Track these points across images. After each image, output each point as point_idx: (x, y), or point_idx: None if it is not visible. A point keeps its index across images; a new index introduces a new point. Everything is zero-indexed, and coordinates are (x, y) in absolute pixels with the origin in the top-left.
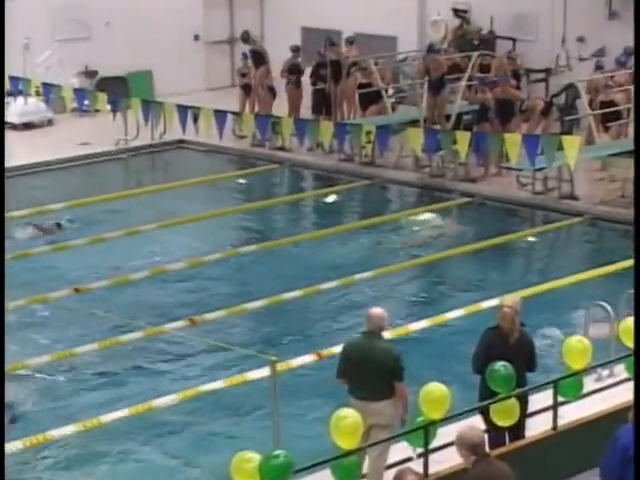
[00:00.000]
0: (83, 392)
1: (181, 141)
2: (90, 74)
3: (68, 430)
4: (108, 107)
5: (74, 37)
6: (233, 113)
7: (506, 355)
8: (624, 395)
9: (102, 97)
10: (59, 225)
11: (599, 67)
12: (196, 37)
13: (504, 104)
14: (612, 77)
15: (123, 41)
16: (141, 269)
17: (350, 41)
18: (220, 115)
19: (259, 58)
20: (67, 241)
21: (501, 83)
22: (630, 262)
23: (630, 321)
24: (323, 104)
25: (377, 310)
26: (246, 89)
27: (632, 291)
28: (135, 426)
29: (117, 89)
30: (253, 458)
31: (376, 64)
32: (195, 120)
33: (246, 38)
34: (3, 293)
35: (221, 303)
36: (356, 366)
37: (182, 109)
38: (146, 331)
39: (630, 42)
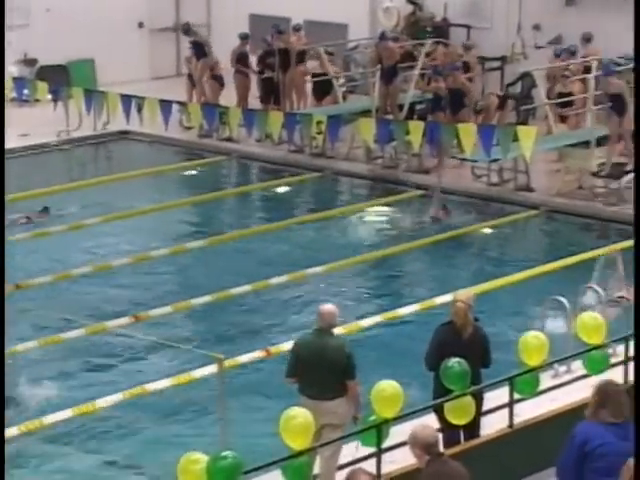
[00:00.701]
0: (25, 393)
1: (125, 132)
2: (30, 62)
3: (9, 432)
4: (49, 97)
5: (13, 24)
6: (179, 103)
7: (460, 351)
8: (581, 392)
9: (42, 86)
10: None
11: (557, 55)
12: (140, 24)
13: (455, 94)
14: (567, 66)
15: (64, 28)
16: (84, 264)
17: (297, 28)
18: (165, 105)
19: (201, 49)
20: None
21: (451, 72)
22: (587, 255)
23: (587, 316)
24: (271, 93)
25: (328, 306)
26: (192, 78)
27: (589, 285)
28: (77, 427)
29: (58, 78)
30: (200, 459)
31: (330, 53)
32: (139, 110)
33: (187, 29)
34: (3, 292)
35: (167, 299)
36: (307, 364)
37: (126, 99)
38: (88, 328)
39: (587, 28)
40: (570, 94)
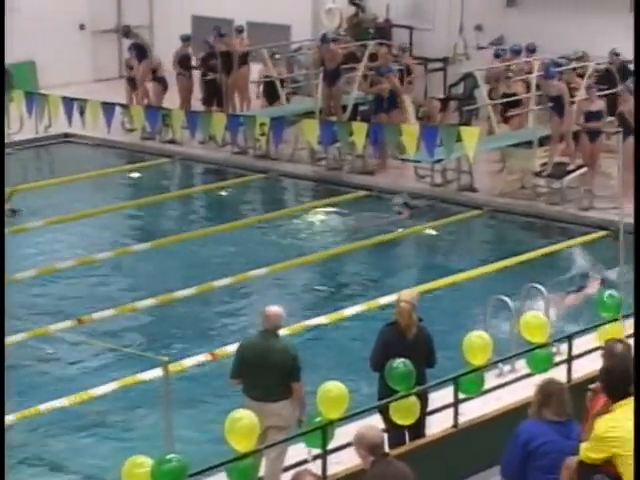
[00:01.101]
0: None
1: (67, 135)
2: None
3: None
4: None
5: None
6: (121, 105)
7: (404, 351)
8: (525, 390)
9: None
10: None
11: (497, 55)
12: (82, 26)
13: (389, 95)
14: (509, 67)
15: (5, 30)
16: (27, 268)
17: (239, 30)
18: (108, 107)
19: (142, 51)
20: None
21: (385, 74)
22: (531, 255)
23: (530, 315)
24: (214, 96)
25: (273, 308)
26: (132, 82)
27: (532, 285)
28: (22, 432)
29: None
30: (145, 462)
31: (273, 55)
32: (82, 113)
33: (127, 32)
34: (3, 291)
35: (111, 302)
36: (252, 366)
37: (68, 101)
38: (31, 332)
39: (528, 28)
40: (514, 94)
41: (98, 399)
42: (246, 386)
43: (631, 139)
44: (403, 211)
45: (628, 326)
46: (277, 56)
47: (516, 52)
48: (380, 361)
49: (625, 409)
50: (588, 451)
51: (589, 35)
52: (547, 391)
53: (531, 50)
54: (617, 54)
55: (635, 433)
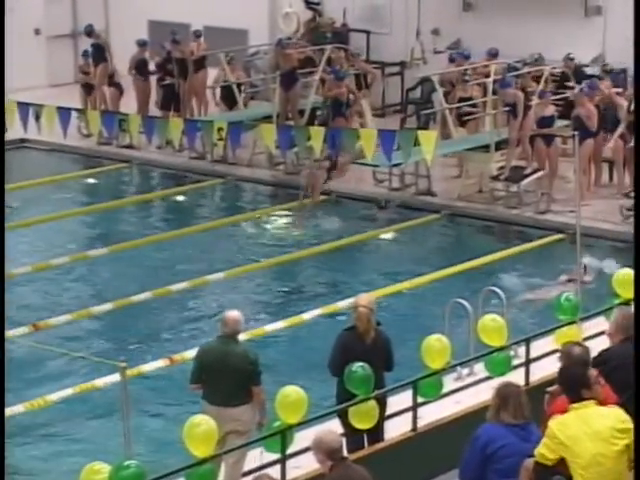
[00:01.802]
0: None
1: (23, 140)
2: None
3: None
4: None
5: None
6: (77, 110)
7: (363, 356)
8: (484, 394)
9: None
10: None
11: (452, 60)
12: (37, 31)
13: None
14: (466, 71)
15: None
16: None
17: (197, 35)
18: (64, 112)
19: (101, 54)
20: None
21: (341, 79)
22: (489, 258)
23: (488, 318)
24: (172, 100)
25: (232, 313)
26: (87, 87)
27: (490, 288)
28: None
29: None
30: (103, 469)
31: (231, 59)
32: (37, 118)
33: (90, 31)
34: (3, 291)
35: (67, 308)
36: (211, 371)
37: (23, 106)
38: None
39: (484, 33)
40: (470, 99)
41: (54, 405)
42: (206, 391)
43: (588, 141)
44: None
45: (585, 328)
46: (233, 61)
47: (465, 57)
48: (339, 366)
49: (578, 413)
50: (542, 450)
51: (544, 39)
52: (504, 394)
53: (493, 54)
54: (572, 58)
55: (635, 432)
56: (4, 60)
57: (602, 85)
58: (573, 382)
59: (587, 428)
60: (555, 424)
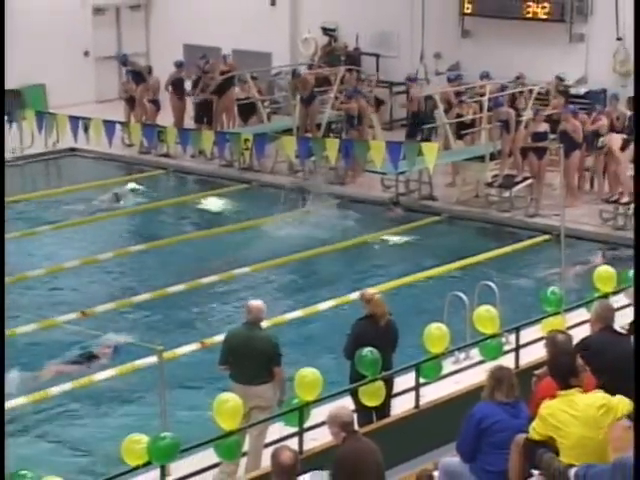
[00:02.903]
0: None
1: (73, 149)
2: None
3: None
4: (5, 118)
5: None
6: (121, 123)
7: (375, 340)
8: (478, 376)
9: None
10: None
11: (450, 80)
12: (86, 53)
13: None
14: (465, 91)
15: (18, 56)
16: (37, 267)
17: (226, 57)
18: (109, 125)
19: (139, 76)
20: None
21: (353, 96)
22: (483, 256)
23: (483, 309)
24: (205, 115)
25: (256, 302)
26: (130, 102)
27: (485, 282)
28: (30, 413)
29: (13, 101)
30: (142, 440)
31: (254, 78)
32: (86, 130)
33: (124, 61)
34: (3, 291)
35: (111, 297)
36: (238, 354)
37: (74, 119)
38: (40, 323)
39: (481, 56)
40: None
41: (100, 383)
42: (232, 371)
43: (575, 153)
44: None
45: (568, 319)
46: (256, 79)
47: (456, 78)
48: (352, 351)
49: (564, 400)
50: (535, 428)
51: (533, 62)
52: (499, 376)
53: (485, 76)
54: (561, 79)
55: (635, 432)
56: (4, 60)
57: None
58: (562, 371)
59: (574, 413)
60: (545, 408)
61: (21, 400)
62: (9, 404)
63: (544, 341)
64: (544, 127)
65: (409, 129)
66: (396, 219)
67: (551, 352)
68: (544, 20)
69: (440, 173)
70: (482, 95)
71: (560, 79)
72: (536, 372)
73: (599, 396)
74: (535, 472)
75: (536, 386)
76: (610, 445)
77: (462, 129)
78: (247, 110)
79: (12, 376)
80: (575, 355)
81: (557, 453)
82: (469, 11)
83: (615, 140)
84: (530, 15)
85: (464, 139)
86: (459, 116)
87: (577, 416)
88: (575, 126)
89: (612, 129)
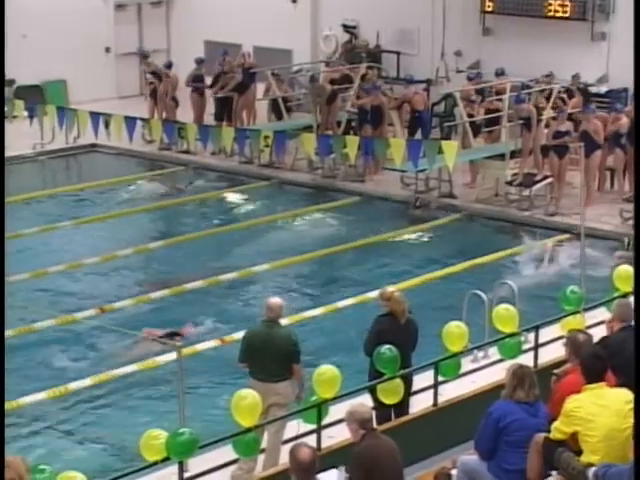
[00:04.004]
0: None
1: (94, 145)
2: (8, 83)
3: None
4: (25, 113)
5: None
6: (142, 119)
7: (395, 338)
8: (497, 374)
9: (20, 104)
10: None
11: (470, 79)
12: (107, 49)
13: (375, 110)
14: (483, 89)
15: (39, 52)
16: (57, 263)
17: (247, 54)
18: (130, 121)
19: (159, 77)
20: None
21: (371, 92)
22: (503, 254)
23: (502, 307)
24: (225, 112)
25: (275, 300)
26: (154, 96)
27: (503, 281)
28: (51, 408)
29: (34, 97)
30: (161, 435)
31: (275, 75)
32: (106, 126)
33: (145, 55)
34: (3, 293)
35: (130, 293)
36: (257, 351)
37: (94, 115)
38: (59, 319)
39: (501, 54)
40: (497, 111)
41: (120, 379)
42: (252, 368)
43: (596, 153)
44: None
45: (588, 318)
46: (278, 76)
47: (470, 79)
48: (372, 347)
49: (593, 393)
50: (557, 427)
51: (554, 61)
52: (521, 374)
53: (499, 74)
54: (575, 77)
55: (635, 430)
56: (4, 59)
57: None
58: (596, 374)
59: (603, 403)
60: (571, 402)
61: (42, 395)
62: (32, 398)
63: (564, 340)
64: (566, 126)
65: (411, 129)
66: (415, 217)
67: (579, 353)
68: (565, 19)
69: (461, 171)
70: (499, 93)
71: (574, 77)
72: (555, 371)
73: (626, 391)
74: (553, 472)
75: (555, 385)
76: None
77: (474, 129)
78: (278, 108)
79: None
80: (605, 359)
81: (576, 453)
82: (490, 9)
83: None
84: (551, 14)
85: (482, 136)
86: (470, 116)
87: (607, 406)
88: (596, 126)
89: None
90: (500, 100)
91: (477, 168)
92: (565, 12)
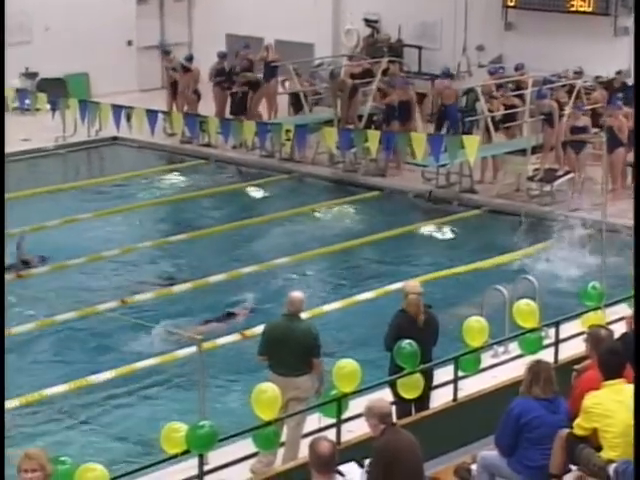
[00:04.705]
0: (27, 369)
1: (115, 138)
2: (31, 76)
3: (8, 404)
4: (48, 106)
5: (16, 41)
6: (163, 112)
7: (415, 335)
8: (517, 370)
9: (42, 97)
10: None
11: (491, 73)
12: (129, 42)
13: (404, 105)
14: (506, 84)
15: (62, 45)
16: (78, 256)
17: (268, 47)
18: (151, 114)
19: (183, 68)
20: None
21: (402, 86)
22: (522, 250)
23: (522, 302)
24: (241, 106)
25: (296, 293)
26: (173, 88)
27: (524, 276)
28: (72, 400)
29: (56, 90)
30: (181, 428)
31: (296, 69)
32: (128, 119)
33: (167, 51)
34: (3, 292)
35: (151, 286)
36: (277, 345)
37: (116, 108)
38: (80, 311)
39: (524, 49)
40: (513, 106)
41: (141, 372)
42: (271, 362)
43: (620, 150)
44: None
45: (609, 314)
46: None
47: (495, 72)
48: (392, 342)
49: (612, 389)
50: (578, 424)
51: (576, 56)
52: (536, 370)
53: (519, 68)
54: (577, 72)
55: (635, 429)
56: (4, 59)
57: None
58: (613, 370)
59: (621, 399)
60: (590, 399)
61: (63, 387)
62: (54, 390)
63: (585, 336)
64: (583, 121)
65: (438, 122)
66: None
67: (599, 348)
68: (588, 13)
69: (480, 167)
70: (519, 88)
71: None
72: (576, 367)
73: None
74: (574, 467)
75: (576, 381)
76: None
77: (494, 124)
78: (299, 102)
79: (155, 332)
80: (623, 355)
81: (597, 449)
82: (512, 4)
83: None
84: (574, 8)
85: (505, 132)
86: (490, 111)
87: (625, 402)
88: (621, 123)
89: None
90: (519, 96)
91: (489, 164)
92: (588, 7)
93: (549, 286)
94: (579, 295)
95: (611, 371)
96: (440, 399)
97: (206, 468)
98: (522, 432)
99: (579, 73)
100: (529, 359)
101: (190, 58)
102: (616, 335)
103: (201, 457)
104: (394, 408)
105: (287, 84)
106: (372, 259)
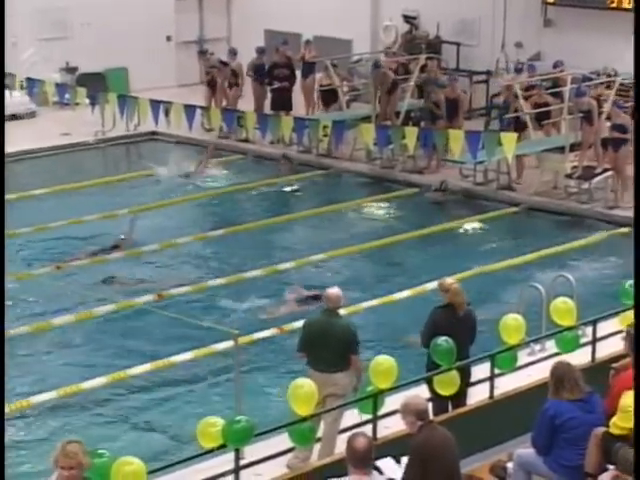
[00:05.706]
0: (57, 363)
1: (154, 132)
2: (71, 70)
3: (47, 396)
4: (87, 101)
5: (57, 36)
6: (201, 108)
7: (452, 330)
8: None
9: (82, 92)
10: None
11: (518, 70)
12: (168, 38)
13: (451, 102)
14: (543, 81)
15: (102, 40)
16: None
17: (308, 43)
18: (190, 109)
19: (223, 64)
20: (48, 223)
21: (450, 83)
22: (561, 247)
23: (559, 300)
24: (281, 101)
25: (334, 290)
26: (211, 86)
27: (561, 274)
28: (109, 393)
29: (96, 84)
30: (217, 423)
31: (334, 65)
32: (167, 114)
33: (204, 51)
34: (3, 292)
35: (188, 280)
36: (316, 341)
37: (155, 103)
38: (118, 304)
39: (563, 46)
40: (545, 103)
41: (177, 366)
42: (310, 358)
43: None
44: (283, 164)
45: None
46: (336, 66)
47: (527, 69)
48: (429, 339)
49: None
50: (615, 423)
51: (615, 53)
52: (559, 375)
53: (556, 66)
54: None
55: (635, 430)
56: (4, 58)
57: None
58: None
59: None
60: (628, 397)
61: (101, 380)
62: (91, 383)
63: (623, 334)
64: (623, 119)
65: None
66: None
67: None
68: (628, 10)
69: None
70: (556, 86)
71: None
72: (614, 365)
73: None
74: (610, 467)
75: (613, 379)
76: None
77: (541, 119)
78: (329, 97)
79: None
80: None
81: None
82: (552, 0)
83: None
84: (615, 5)
85: (543, 129)
86: (537, 105)
87: None
88: None
89: None
90: (557, 93)
91: (524, 162)
92: (628, 4)
93: (586, 284)
94: (617, 293)
95: None
96: (476, 396)
97: (242, 463)
98: (557, 432)
99: (612, 75)
100: (565, 357)
101: (234, 52)
102: None
103: (237, 452)
104: (430, 405)
105: (318, 77)
106: (410, 256)
